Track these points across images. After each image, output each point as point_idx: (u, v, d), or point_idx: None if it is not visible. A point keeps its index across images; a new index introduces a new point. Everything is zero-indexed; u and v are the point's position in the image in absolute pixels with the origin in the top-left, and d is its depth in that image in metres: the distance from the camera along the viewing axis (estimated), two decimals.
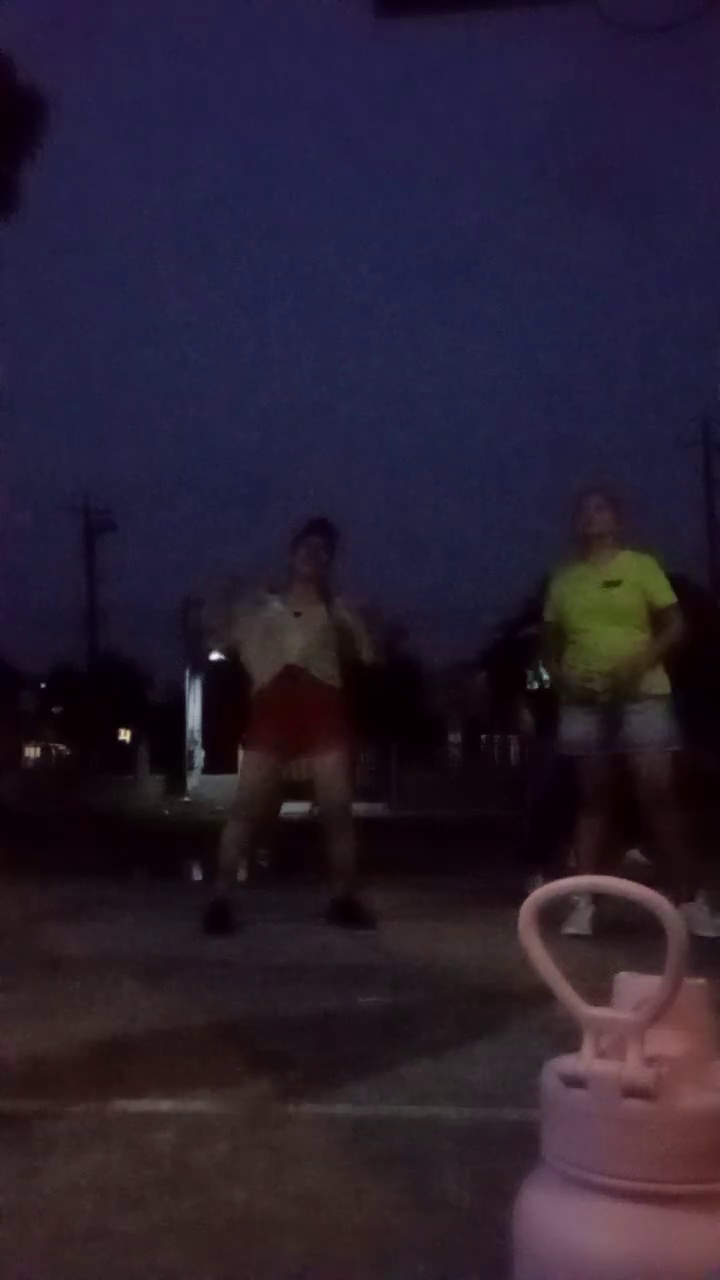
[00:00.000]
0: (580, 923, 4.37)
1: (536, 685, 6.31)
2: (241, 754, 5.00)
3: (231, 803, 5.12)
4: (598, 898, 4.35)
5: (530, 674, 6.43)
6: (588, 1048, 1.13)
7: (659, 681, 4.62)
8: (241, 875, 5.74)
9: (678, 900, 4.08)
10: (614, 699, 4.56)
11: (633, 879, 1.08)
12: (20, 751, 40.82)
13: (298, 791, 4.95)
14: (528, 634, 6.43)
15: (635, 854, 6.13)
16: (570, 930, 4.30)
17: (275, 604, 4.98)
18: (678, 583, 4.91)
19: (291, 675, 4.86)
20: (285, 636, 4.89)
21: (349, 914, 4.73)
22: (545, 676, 6.02)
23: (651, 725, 4.56)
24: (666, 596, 4.70)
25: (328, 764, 4.85)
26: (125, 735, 47.63)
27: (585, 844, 4.64)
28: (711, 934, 4.17)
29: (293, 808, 4.95)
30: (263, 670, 4.92)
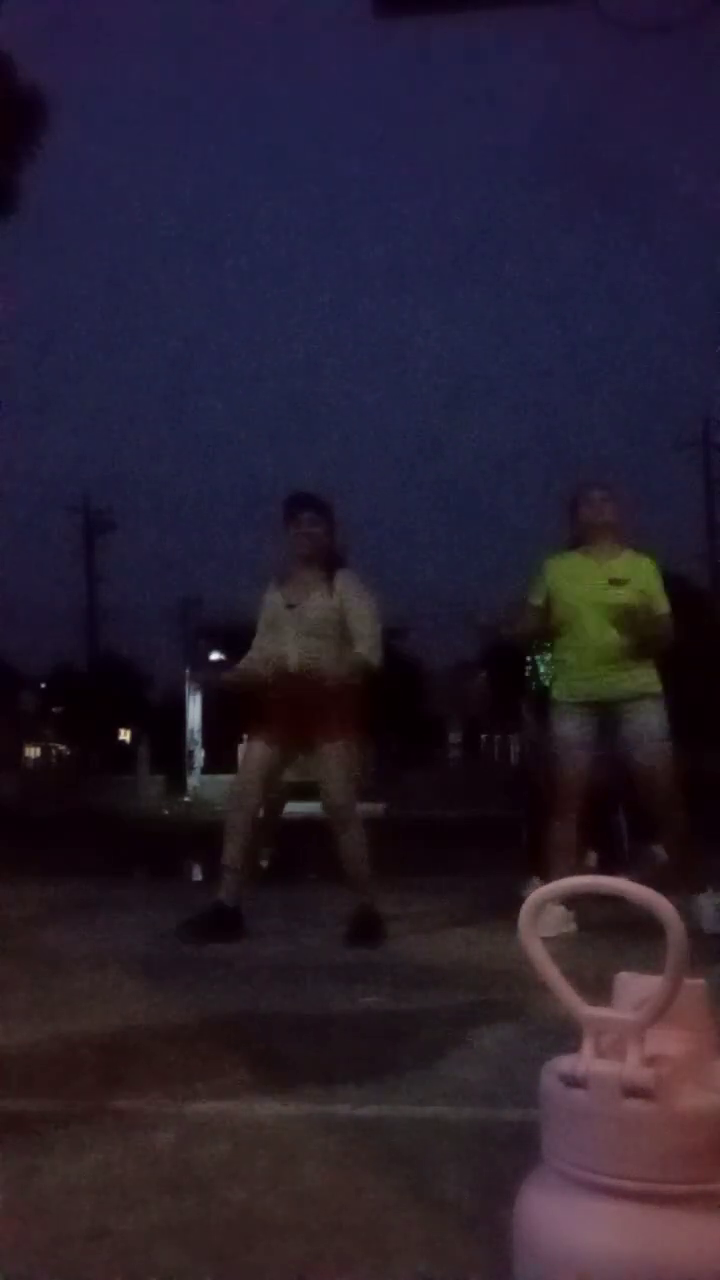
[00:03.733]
0: (553, 924, 4.26)
1: (534, 685, 6.24)
2: (242, 748, 4.78)
3: (228, 794, 4.86)
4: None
5: (529, 675, 6.35)
6: (588, 1048, 1.13)
7: (653, 679, 4.62)
8: (260, 870, 5.53)
9: (681, 896, 4.05)
10: (609, 696, 4.56)
11: (645, 878, 1.08)
12: (20, 751, 40.85)
13: (303, 792, 4.86)
14: (505, 636, 6.18)
15: (659, 850, 6.09)
16: (547, 934, 4.22)
17: (275, 596, 4.78)
18: (678, 583, 4.91)
19: (287, 673, 4.66)
20: (280, 632, 4.71)
21: (355, 927, 4.40)
22: (542, 673, 5.98)
23: (649, 722, 4.56)
24: (664, 605, 4.72)
25: (325, 761, 4.64)
26: (125, 735, 47.61)
27: (561, 845, 4.55)
28: (715, 929, 4.14)
29: (296, 807, 4.89)
30: (263, 667, 4.72)
